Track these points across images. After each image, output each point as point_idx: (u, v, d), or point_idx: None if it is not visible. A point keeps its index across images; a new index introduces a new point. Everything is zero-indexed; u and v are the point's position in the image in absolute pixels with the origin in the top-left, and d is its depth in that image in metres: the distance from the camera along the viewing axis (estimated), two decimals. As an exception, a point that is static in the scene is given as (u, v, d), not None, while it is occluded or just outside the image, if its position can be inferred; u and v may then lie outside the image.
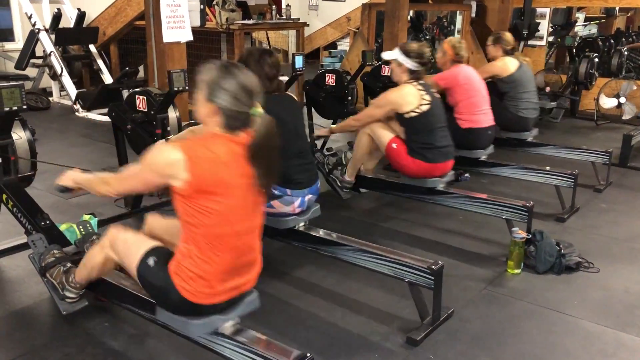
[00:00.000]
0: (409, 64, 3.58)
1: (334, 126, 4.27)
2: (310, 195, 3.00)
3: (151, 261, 2.07)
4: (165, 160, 1.89)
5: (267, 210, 2.79)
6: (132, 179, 2.09)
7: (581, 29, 10.51)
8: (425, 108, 3.55)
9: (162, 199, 4.16)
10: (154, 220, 2.47)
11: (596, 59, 7.12)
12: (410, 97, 3.56)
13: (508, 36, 4.95)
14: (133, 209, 3.97)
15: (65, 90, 7.20)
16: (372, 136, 3.82)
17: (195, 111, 2.03)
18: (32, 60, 7.30)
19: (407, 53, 3.58)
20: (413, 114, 3.56)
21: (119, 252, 2.21)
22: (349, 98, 5.09)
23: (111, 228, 2.30)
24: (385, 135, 3.74)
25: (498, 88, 4.94)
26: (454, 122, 4.24)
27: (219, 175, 1.90)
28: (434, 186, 3.69)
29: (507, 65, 4.83)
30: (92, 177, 2.31)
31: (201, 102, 1.96)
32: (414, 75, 3.61)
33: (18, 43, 8.04)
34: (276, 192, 2.83)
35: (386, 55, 3.75)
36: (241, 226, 2.00)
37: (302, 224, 3.03)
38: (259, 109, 1.95)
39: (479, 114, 4.32)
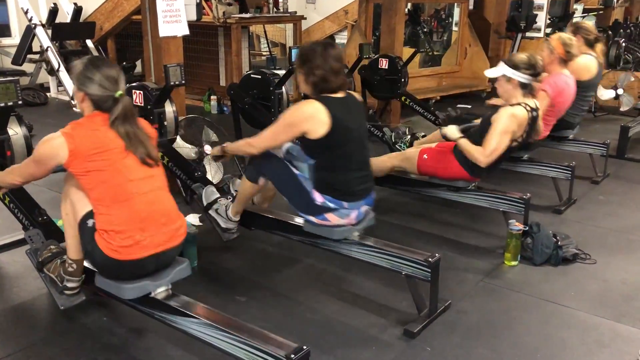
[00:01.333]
0: (522, 77, 3.29)
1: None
2: (366, 207, 2.84)
3: (90, 222, 2.24)
4: (50, 148, 2.22)
5: (322, 223, 2.75)
6: (26, 167, 2.40)
7: (579, 21, 10.47)
8: (523, 136, 3.35)
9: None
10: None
11: (594, 51, 7.09)
12: (520, 124, 3.29)
13: (589, 24, 4.49)
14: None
15: (63, 85, 7.19)
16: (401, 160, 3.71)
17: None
18: (29, 56, 7.29)
19: (515, 66, 3.31)
20: (514, 143, 3.35)
21: (71, 198, 2.34)
22: (347, 91, 5.08)
23: (66, 175, 2.40)
24: (415, 152, 3.64)
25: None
26: None
27: (94, 138, 2.19)
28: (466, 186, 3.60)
29: (590, 66, 4.38)
30: (5, 171, 2.55)
31: (74, 92, 2.31)
32: (527, 90, 3.34)
33: (15, 38, 8.03)
34: (331, 205, 2.70)
35: (491, 72, 3.45)
36: (134, 175, 2.22)
37: (356, 233, 2.84)
38: (120, 91, 2.23)
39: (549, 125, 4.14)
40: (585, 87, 4.41)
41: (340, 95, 2.70)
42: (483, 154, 3.31)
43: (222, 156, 3.14)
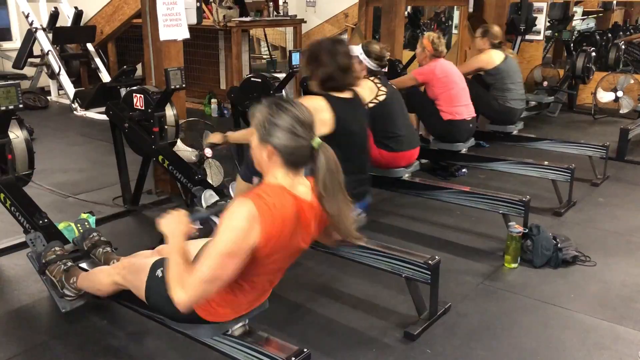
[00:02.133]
0: (370, 64, 3.66)
1: None
2: (359, 210, 2.82)
3: (159, 272, 2.01)
4: (240, 220, 1.72)
5: None
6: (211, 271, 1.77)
7: (579, 23, 10.49)
8: (382, 98, 3.60)
9: (159, 197, 4.18)
10: (164, 249, 2.32)
11: (593, 53, 7.11)
12: (366, 90, 3.55)
13: (496, 30, 5.06)
14: (131, 206, 3.98)
15: (63, 89, 7.21)
16: None
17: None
18: (29, 60, 7.30)
19: (368, 53, 3.66)
20: (371, 105, 3.60)
21: (127, 275, 2.16)
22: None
23: (123, 259, 2.33)
24: None
25: (484, 80, 5.03)
26: (437, 114, 4.39)
27: (281, 239, 1.80)
28: (399, 176, 3.77)
29: (492, 57, 4.95)
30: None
31: (256, 144, 1.85)
32: (372, 75, 3.68)
33: (15, 42, 8.04)
34: None
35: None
36: (282, 265, 1.96)
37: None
38: (318, 140, 1.84)
39: (459, 106, 4.42)
40: (499, 75, 4.96)
41: (347, 95, 2.67)
42: None
43: (218, 144, 3.12)
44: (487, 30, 5.04)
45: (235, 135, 3.10)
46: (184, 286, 1.75)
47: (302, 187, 1.88)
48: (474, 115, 4.55)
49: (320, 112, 2.55)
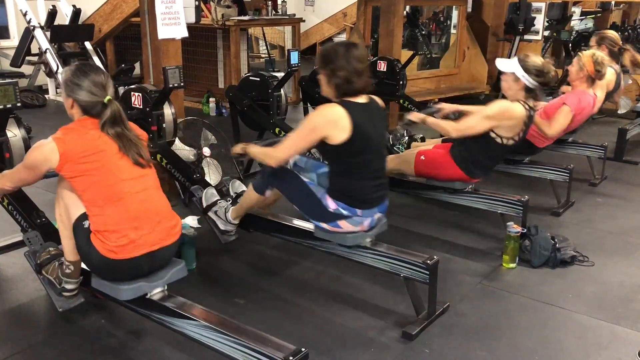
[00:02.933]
0: (529, 81, 3.22)
1: (430, 119, 3.57)
2: (379, 214, 2.78)
3: (86, 223, 2.26)
4: (41, 153, 2.24)
5: (334, 230, 2.71)
6: (17, 173, 2.43)
7: (577, 23, 10.49)
8: (519, 135, 3.33)
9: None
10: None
11: (592, 54, 7.11)
12: (515, 121, 3.25)
13: (614, 34, 4.54)
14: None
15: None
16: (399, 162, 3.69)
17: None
18: (27, 58, 7.30)
19: (527, 69, 3.21)
20: (505, 140, 3.29)
21: (65, 201, 2.35)
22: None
23: (59, 179, 2.40)
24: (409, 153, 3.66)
25: None
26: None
27: (84, 141, 2.21)
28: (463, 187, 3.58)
29: (610, 80, 4.45)
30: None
31: (63, 98, 2.33)
32: (531, 95, 3.29)
33: (13, 40, 8.03)
34: (345, 212, 2.65)
35: (501, 64, 3.34)
36: (126, 175, 2.24)
37: (368, 239, 2.80)
38: (108, 97, 2.26)
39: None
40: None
41: (363, 100, 2.62)
42: (455, 128, 3.38)
43: (242, 155, 3.03)
44: (603, 37, 4.51)
45: (254, 151, 2.92)
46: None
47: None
48: None
49: (340, 119, 2.51)
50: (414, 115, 3.54)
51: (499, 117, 3.26)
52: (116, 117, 2.27)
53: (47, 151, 2.22)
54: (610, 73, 4.43)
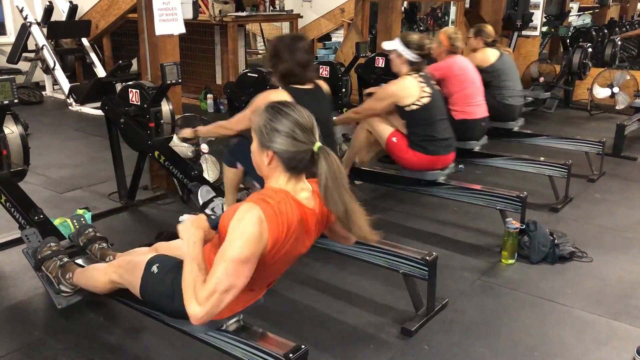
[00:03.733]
0: (409, 55, 3.52)
1: (335, 118, 4.15)
2: None
3: (154, 268, 2.02)
4: (252, 226, 1.72)
5: None
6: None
7: (575, 19, 10.50)
8: (426, 100, 3.49)
9: (155, 193, 4.16)
10: (160, 246, 2.39)
11: (590, 49, 7.12)
12: (411, 90, 3.51)
13: (489, 28, 5.01)
14: (127, 202, 3.97)
15: (58, 84, 7.17)
16: (372, 131, 3.78)
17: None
18: (24, 54, 7.27)
19: (407, 44, 3.53)
20: (414, 107, 3.50)
21: (123, 273, 2.15)
22: (343, 90, 5.08)
23: (119, 256, 2.34)
24: (385, 130, 3.69)
25: (482, 79, 4.96)
26: (448, 114, 4.23)
27: (285, 245, 1.82)
28: (435, 179, 3.65)
29: (487, 55, 4.88)
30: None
31: (255, 149, 1.86)
32: (414, 67, 3.56)
33: (10, 37, 7.99)
34: None
35: (386, 45, 3.71)
36: (281, 269, 1.97)
37: None
38: (319, 143, 1.82)
39: (473, 105, 4.31)
40: (495, 72, 4.84)
41: (308, 86, 2.79)
42: (355, 111, 3.88)
43: (189, 139, 3.44)
44: (480, 30, 4.98)
45: (204, 130, 3.31)
46: (199, 299, 1.73)
47: (305, 192, 1.88)
48: (487, 114, 4.41)
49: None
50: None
51: (388, 95, 3.60)
52: (337, 177, 1.78)
53: (258, 223, 1.71)
54: (487, 50, 4.91)
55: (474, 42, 4.99)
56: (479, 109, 4.34)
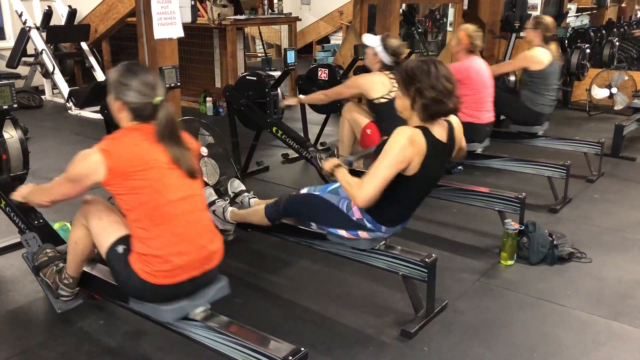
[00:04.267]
0: (385, 57, 3.69)
1: (302, 96, 4.46)
2: (400, 228, 2.75)
3: (120, 249, 2.15)
4: (87, 165, 2.06)
5: (351, 237, 2.67)
6: (58, 187, 2.23)
7: (573, 20, 10.51)
8: (394, 94, 3.49)
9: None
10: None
11: (588, 50, 7.14)
12: (378, 84, 3.64)
13: (549, 21, 4.71)
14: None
15: (58, 88, 7.18)
16: (350, 122, 3.87)
17: None
18: (23, 59, 7.28)
19: (385, 47, 3.68)
20: (383, 100, 3.62)
21: (92, 228, 2.28)
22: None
23: (85, 200, 2.35)
24: (362, 121, 3.83)
25: (521, 79, 4.78)
26: None
27: (133, 155, 2.05)
28: None
29: (541, 58, 4.60)
30: (34, 188, 2.43)
31: (111, 101, 2.16)
32: (386, 68, 3.73)
33: (9, 41, 8.00)
34: (369, 224, 2.59)
35: (366, 39, 3.81)
36: (174, 195, 2.09)
37: (382, 242, 2.76)
38: (159, 98, 2.11)
39: (483, 110, 4.27)
40: (540, 79, 4.65)
41: (443, 136, 2.47)
42: (324, 92, 4.16)
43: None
44: (539, 22, 4.66)
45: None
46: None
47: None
48: (493, 119, 4.38)
49: (419, 154, 2.40)
50: (290, 100, 4.38)
51: (355, 85, 3.79)
52: (169, 123, 2.10)
53: (93, 163, 2.04)
54: (541, 50, 4.67)
55: (531, 34, 4.68)
56: (487, 115, 4.30)
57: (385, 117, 3.63)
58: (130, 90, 2.09)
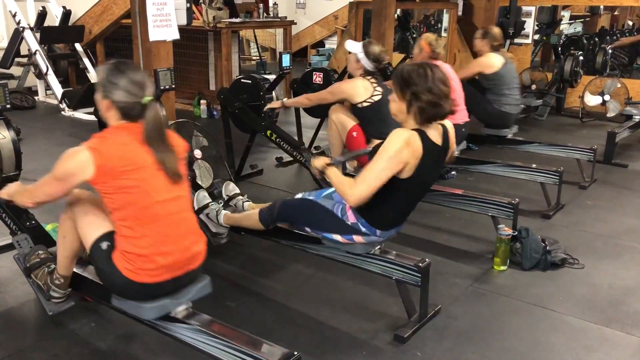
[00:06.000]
0: (366, 63, 3.72)
1: (286, 100, 4.48)
2: (395, 232, 2.74)
3: (104, 245, 2.15)
4: (75, 164, 2.04)
5: (346, 242, 2.67)
6: (45, 186, 2.18)
7: (566, 27, 10.59)
8: (377, 98, 3.69)
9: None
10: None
11: (581, 57, 7.18)
12: (361, 89, 3.71)
13: (496, 32, 4.95)
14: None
15: (51, 89, 7.15)
16: (336, 124, 3.89)
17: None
18: (17, 59, 7.25)
19: (367, 53, 3.70)
20: (366, 104, 3.69)
21: (78, 222, 2.27)
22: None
23: (72, 193, 2.31)
24: (348, 123, 3.86)
25: (481, 84, 4.98)
26: None
27: (123, 154, 2.05)
28: None
29: (492, 61, 4.85)
30: (19, 188, 2.40)
31: (99, 100, 2.15)
32: (368, 74, 3.78)
33: (2, 41, 7.96)
34: (363, 229, 2.58)
35: (349, 45, 3.83)
36: (161, 196, 2.10)
37: (377, 247, 2.75)
38: (148, 97, 2.10)
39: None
40: (497, 80, 4.86)
41: (438, 139, 2.47)
42: (307, 97, 4.19)
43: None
44: (487, 32, 4.91)
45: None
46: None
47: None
48: (468, 119, 4.50)
49: (415, 157, 2.40)
50: (274, 104, 4.36)
51: (339, 92, 3.82)
52: (157, 124, 2.09)
53: (81, 161, 2.02)
54: (492, 55, 4.89)
55: (480, 43, 4.93)
56: (459, 115, 4.34)
57: (369, 121, 3.74)
58: (118, 89, 2.07)
